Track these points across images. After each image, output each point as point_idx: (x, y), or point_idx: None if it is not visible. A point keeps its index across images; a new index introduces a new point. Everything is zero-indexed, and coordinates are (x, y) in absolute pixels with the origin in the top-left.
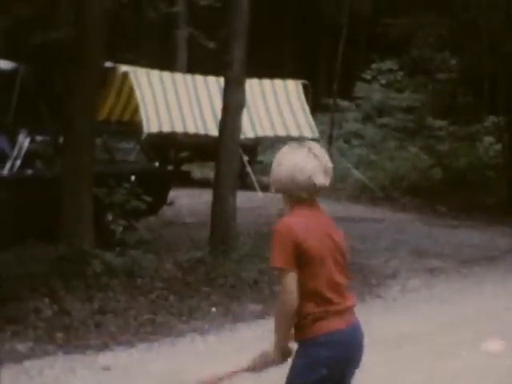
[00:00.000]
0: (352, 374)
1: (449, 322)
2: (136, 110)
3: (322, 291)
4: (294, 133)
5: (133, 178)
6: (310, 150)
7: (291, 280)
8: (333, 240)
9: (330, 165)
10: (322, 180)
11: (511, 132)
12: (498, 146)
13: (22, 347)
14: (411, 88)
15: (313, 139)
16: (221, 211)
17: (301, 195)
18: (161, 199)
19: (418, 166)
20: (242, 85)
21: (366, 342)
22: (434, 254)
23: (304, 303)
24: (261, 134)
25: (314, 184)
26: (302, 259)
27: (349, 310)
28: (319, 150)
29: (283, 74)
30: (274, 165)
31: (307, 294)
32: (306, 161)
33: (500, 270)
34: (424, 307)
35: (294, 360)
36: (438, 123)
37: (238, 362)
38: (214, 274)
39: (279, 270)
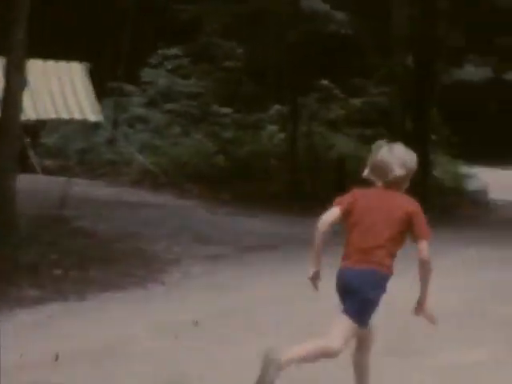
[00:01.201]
0: (350, 298)
1: (227, 308)
2: None
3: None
4: (78, 116)
5: None
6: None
7: (329, 212)
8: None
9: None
10: (399, 172)
11: (295, 121)
12: (282, 135)
13: None
14: (197, 75)
15: (96, 123)
16: None
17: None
18: None
19: (202, 152)
20: (22, 67)
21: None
22: (216, 240)
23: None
24: (43, 116)
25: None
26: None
27: (358, 261)
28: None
29: (69, 56)
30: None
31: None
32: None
33: (280, 258)
34: (205, 294)
35: None
36: (223, 110)
37: (17, 350)
38: None
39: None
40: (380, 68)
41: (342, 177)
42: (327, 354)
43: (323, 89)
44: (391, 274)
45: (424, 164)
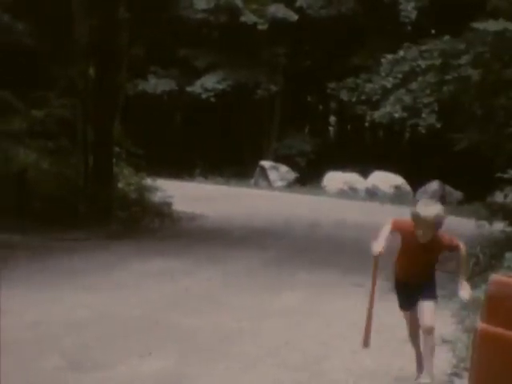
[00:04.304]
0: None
1: None
2: None
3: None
4: None
5: None
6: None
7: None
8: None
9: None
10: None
11: None
12: None
13: None
14: None
15: None
16: None
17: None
18: None
19: None
20: None
21: None
22: None
23: None
24: None
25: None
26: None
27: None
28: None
29: None
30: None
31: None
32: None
33: None
34: None
35: None
36: None
37: None
38: None
39: None
40: (61, 79)
41: (25, 190)
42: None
43: (1, 100)
44: None
45: (107, 176)
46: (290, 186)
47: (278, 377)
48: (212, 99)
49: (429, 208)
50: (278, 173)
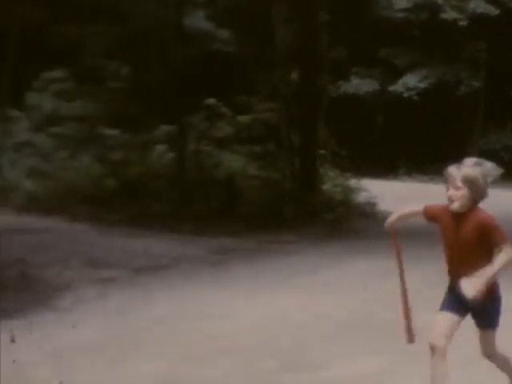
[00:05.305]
0: None
1: (119, 331)
2: None
3: None
4: None
5: None
6: None
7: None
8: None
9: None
10: None
11: (183, 140)
12: (171, 155)
13: None
14: (82, 97)
15: None
16: None
17: None
18: None
19: (91, 175)
20: None
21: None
22: (107, 263)
23: None
24: None
25: None
26: None
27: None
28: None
29: None
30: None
31: None
32: None
33: (172, 278)
34: (97, 318)
35: None
36: (110, 132)
37: None
38: None
39: None
40: (264, 84)
41: (232, 194)
42: None
43: (209, 107)
44: None
45: (313, 179)
46: (497, 181)
47: None
48: (415, 97)
49: (470, 166)
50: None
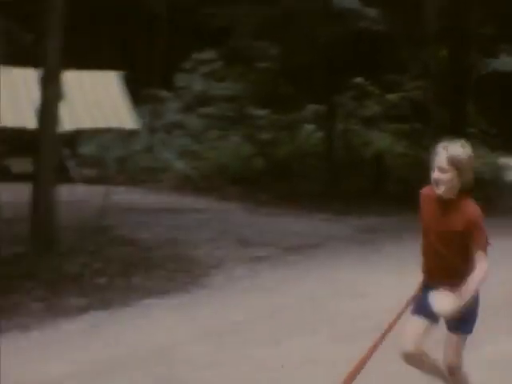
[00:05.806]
0: None
1: (272, 310)
2: None
3: None
4: (114, 124)
5: None
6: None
7: None
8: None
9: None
10: None
11: (331, 120)
12: (319, 134)
13: None
14: (231, 77)
15: (133, 130)
16: (41, 205)
17: None
18: None
19: (240, 155)
20: (58, 77)
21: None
22: (257, 242)
23: None
24: (80, 126)
25: None
26: None
27: None
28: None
29: (102, 65)
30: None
31: None
32: None
33: (321, 257)
34: (249, 296)
35: None
36: (259, 112)
37: (63, 357)
38: (37, 269)
39: None
40: (413, 62)
41: (381, 173)
42: None
43: (357, 86)
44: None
45: None
46: None
47: None
48: None
49: (457, 146)
50: None
